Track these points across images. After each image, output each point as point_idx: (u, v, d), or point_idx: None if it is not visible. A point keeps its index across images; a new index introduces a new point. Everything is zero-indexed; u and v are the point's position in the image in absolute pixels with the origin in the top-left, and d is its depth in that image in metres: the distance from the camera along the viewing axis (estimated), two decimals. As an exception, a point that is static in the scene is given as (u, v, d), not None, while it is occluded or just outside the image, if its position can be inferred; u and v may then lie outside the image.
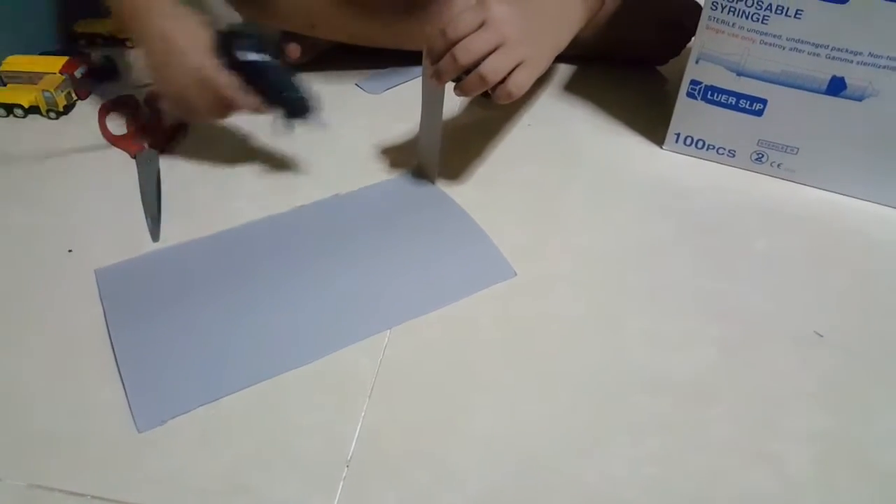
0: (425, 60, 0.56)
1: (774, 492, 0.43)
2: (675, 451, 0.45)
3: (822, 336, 0.52)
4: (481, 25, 0.53)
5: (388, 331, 0.52)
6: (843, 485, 0.43)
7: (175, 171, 0.67)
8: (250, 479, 0.43)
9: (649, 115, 0.73)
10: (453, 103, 0.76)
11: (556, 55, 0.58)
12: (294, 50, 0.78)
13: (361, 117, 0.73)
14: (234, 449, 0.44)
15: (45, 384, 0.48)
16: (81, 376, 0.49)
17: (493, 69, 0.53)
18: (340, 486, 0.42)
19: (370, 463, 0.44)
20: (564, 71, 0.81)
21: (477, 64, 0.53)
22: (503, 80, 0.54)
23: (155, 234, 0.59)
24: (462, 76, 0.54)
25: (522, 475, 0.43)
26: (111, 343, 0.50)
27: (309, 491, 0.42)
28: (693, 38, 0.63)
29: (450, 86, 0.57)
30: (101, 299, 0.54)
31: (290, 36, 0.78)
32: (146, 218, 0.61)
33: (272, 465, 0.44)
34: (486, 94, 0.76)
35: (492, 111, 0.75)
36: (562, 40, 0.59)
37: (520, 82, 0.54)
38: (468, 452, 0.44)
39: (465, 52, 0.52)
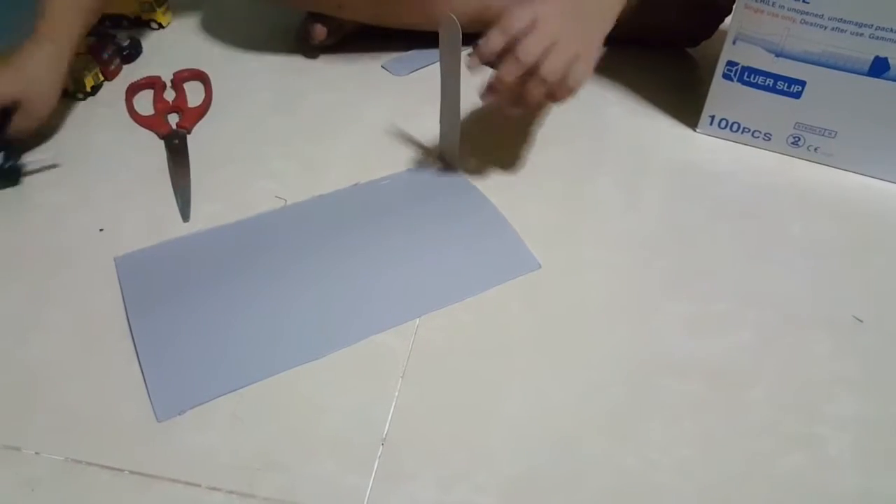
0: (444, 46, 0.55)
1: (814, 475, 0.42)
2: (711, 434, 0.44)
3: (861, 321, 0.51)
4: (532, 24, 0.52)
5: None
6: (884, 468, 0.43)
7: (200, 152, 0.67)
8: (285, 457, 0.43)
9: (681, 98, 0.71)
10: (479, 87, 0.75)
11: (603, 38, 0.57)
12: (320, 31, 0.77)
13: (386, 99, 0.73)
14: (268, 427, 0.44)
15: (76, 363, 0.48)
16: (114, 354, 0.49)
17: (552, 70, 0.52)
18: (376, 465, 0.42)
19: (405, 442, 0.44)
20: (593, 53, 0.80)
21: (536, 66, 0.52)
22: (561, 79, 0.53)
23: (185, 214, 0.59)
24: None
25: (556, 457, 0.43)
26: (131, 333, 0.50)
27: (345, 469, 0.42)
28: (727, 19, 0.62)
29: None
30: (120, 288, 0.53)
31: (315, 17, 0.77)
32: (176, 199, 0.61)
33: (307, 444, 0.44)
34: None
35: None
36: (606, 27, 0.58)
37: (578, 78, 0.53)
38: (502, 433, 0.44)
39: (527, 54, 0.52)
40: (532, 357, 0.49)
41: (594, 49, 0.56)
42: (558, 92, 0.54)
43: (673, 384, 0.47)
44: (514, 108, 0.56)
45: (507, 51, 0.52)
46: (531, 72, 0.52)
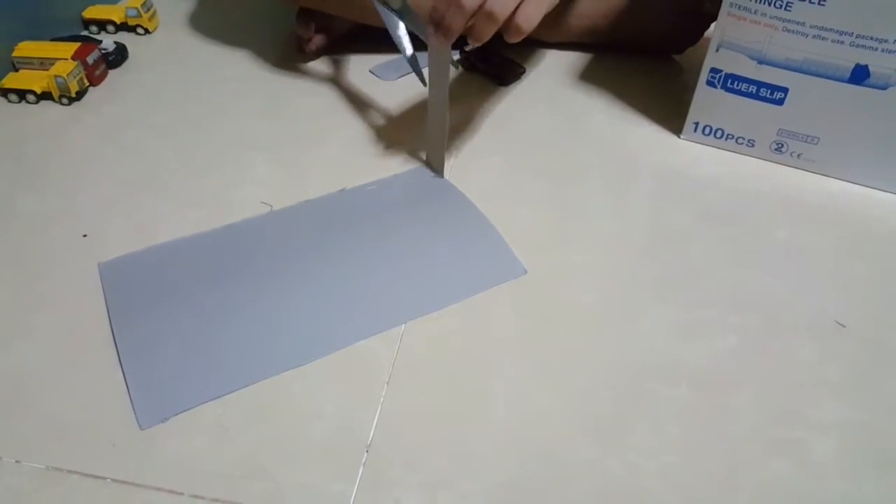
0: (428, 28, 0.55)
1: (797, 480, 0.42)
2: (696, 440, 0.44)
3: (844, 326, 0.51)
4: None
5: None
6: (868, 474, 0.43)
7: (186, 156, 0.66)
8: (269, 464, 0.43)
9: (666, 105, 0.72)
10: (466, 93, 0.75)
11: None
12: (306, 31, 0.77)
13: (374, 104, 0.73)
14: (252, 435, 0.44)
15: (59, 370, 0.48)
16: (97, 360, 0.48)
17: (500, 3, 0.51)
18: (360, 472, 0.42)
19: (390, 449, 0.43)
20: (580, 60, 0.80)
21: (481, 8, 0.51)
22: (511, 17, 0.52)
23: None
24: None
25: (542, 463, 0.43)
26: (114, 339, 0.50)
27: (329, 476, 0.42)
28: (712, 26, 0.62)
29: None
30: (104, 294, 0.53)
31: (304, 17, 0.77)
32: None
33: (291, 451, 0.43)
34: (500, 80, 0.76)
35: (505, 103, 0.74)
36: None
37: (529, 15, 0.52)
38: (487, 439, 0.44)
39: None
40: (518, 363, 0.49)
41: None
42: (506, 32, 0.53)
43: (659, 389, 0.47)
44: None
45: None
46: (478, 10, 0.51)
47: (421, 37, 0.61)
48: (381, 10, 0.64)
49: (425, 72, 0.61)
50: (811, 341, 0.50)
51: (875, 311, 0.53)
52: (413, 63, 0.63)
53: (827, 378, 0.48)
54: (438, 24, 0.53)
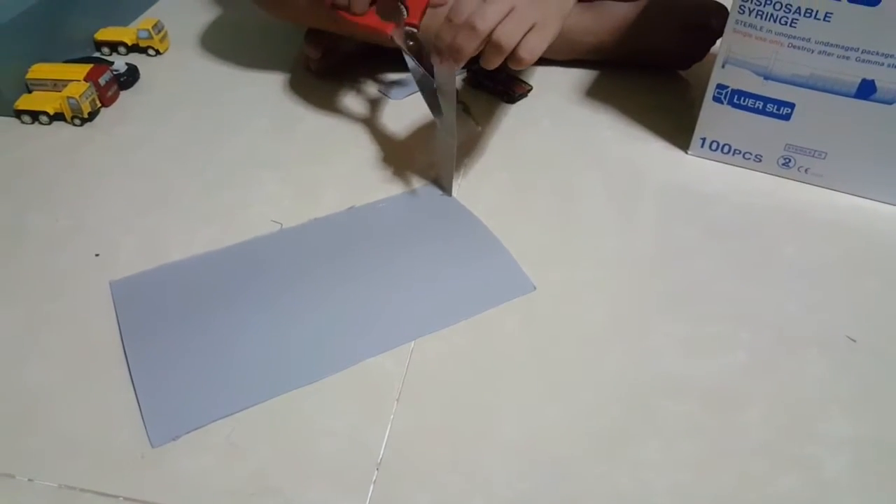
0: (434, 56, 0.56)
1: (809, 497, 0.42)
2: (706, 456, 0.44)
3: (854, 341, 0.51)
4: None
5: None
6: (880, 490, 0.42)
7: (196, 175, 0.67)
8: (279, 481, 0.43)
9: (673, 121, 0.72)
10: (473, 110, 0.76)
11: (564, 19, 0.57)
12: (314, 51, 0.78)
13: (382, 123, 0.74)
14: (262, 452, 0.44)
15: (71, 388, 0.48)
16: (109, 379, 0.49)
17: (505, 34, 0.52)
18: (371, 490, 0.42)
19: (400, 466, 0.43)
20: (587, 76, 0.81)
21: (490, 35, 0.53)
22: (515, 47, 0.53)
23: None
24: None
25: (552, 480, 0.43)
26: (125, 357, 0.50)
27: (339, 493, 0.42)
28: (719, 42, 0.63)
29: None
30: (116, 313, 0.53)
31: (312, 38, 0.78)
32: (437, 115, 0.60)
33: (301, 468, 0.43)
34: (507, 97, 0.77)
35: (512, 120, 0.75)
36: (565, 6, 0.57)
37: (532, 46, 0.54)
38: (497, 457, 0.44)
39: (482, 20, 0.52)
40: (527, 379, 0.49)
41: (552, 22, 0.55)
42: (511, 60, 0.54)
43: (668, 405, 0.47)
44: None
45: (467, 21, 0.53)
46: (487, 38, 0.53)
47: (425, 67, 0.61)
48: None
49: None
50: (821, 356, 0.50)
51: (886, 325, 0.52)
52: (425, 85, 0.63)
53: (838, 393, 0.48)
54: (448, 50, 0.54)
